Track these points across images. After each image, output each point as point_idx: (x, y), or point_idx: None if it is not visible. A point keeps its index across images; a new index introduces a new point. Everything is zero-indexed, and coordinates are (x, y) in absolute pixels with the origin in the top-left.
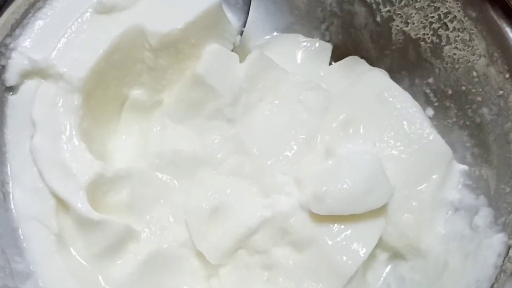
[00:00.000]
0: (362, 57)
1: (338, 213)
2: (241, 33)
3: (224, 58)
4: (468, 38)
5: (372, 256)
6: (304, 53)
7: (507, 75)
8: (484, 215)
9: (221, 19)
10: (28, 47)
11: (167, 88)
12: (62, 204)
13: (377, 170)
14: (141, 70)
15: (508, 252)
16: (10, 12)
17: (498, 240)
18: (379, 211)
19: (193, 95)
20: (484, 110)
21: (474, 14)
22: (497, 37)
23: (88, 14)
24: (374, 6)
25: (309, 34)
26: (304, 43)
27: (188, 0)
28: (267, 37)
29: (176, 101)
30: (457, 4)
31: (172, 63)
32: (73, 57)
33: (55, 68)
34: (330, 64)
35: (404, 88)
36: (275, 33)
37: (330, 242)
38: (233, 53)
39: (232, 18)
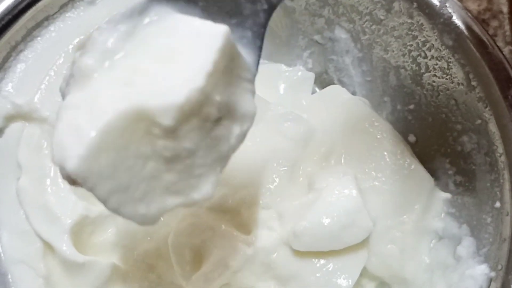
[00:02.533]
0: (344, 84)
1: (317, 249)
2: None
3: None
4: (446, 66)
5: (359, 286)
6: (286, 83)
7: (485, 104)
8: (467, 245)
9: (235, 54)
10: (10, 91)
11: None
12: (48, 246)
13: (356, 205)
14: (158, 170)
15: (489, 285)
16: None
17: (480, 271)
18: (362, 243)
19: None
20: (465, 138)
21: (450, 43)
22: (474, 66)
23: (68, 55)
24: (354, 34)
25: (291, 63)
26: (287, 73)
27: (187, 44)
28: None
29: None
30: (434, 33)
31: (201, 136)
32: (56, 100)
33: (38, 112)
34: (313, 92)
35: (386, 114)
36: None
37: (312, 277)
38: None
39: None
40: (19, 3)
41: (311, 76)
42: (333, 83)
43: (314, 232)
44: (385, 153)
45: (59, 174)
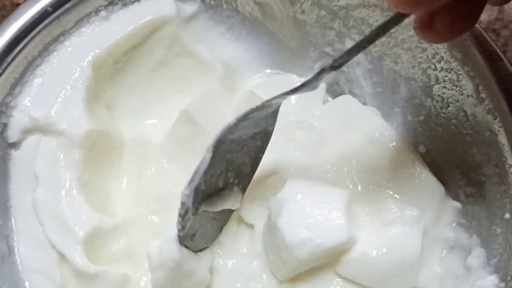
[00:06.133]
0: (355, 95)
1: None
2: None
3: (215, 98)
4: (455, 78)
5: None
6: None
7: (494, 116)
8: (477, 256)
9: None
10: (28, 105)
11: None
12: (63, 256)
13: (415, 259)
14: None
15: None
16: (9, 71)
17: (490, 282)
18: None
19: (182, 133)
20: (474, 150)
21: (460, 56)
22: (483, 78)
23: (84, 69)
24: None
25: (303, 74)
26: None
27: None
28: (260, 75)
29: (168, 138)
30: (443, 45)
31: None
32: (72, 113)
33: (55, 125)
34: (325, 102)
35: (397, 125)
36: (268, 71)
37: None
38: (225, 93)
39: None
40: (36, 19)
41: (323, 86)
42: (344, 94)
43: (363, 264)
44: (396, 163)
45: (74, 185)
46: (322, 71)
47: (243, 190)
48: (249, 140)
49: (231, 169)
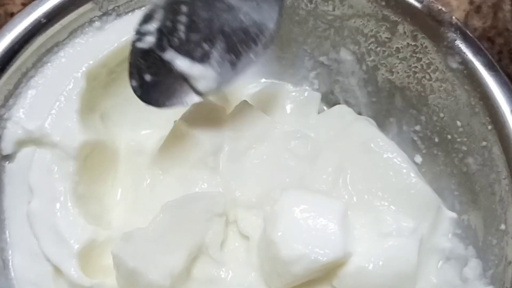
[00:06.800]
0: (350, 104)
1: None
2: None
3: (210, 108)
4: (450, 89)
5: None
6: (293, 103)
7: (490, 127)
8: (474, 267)
9: None
10: (21, 117)
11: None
12: (58, 269)
13: (412, 271)
14: None
15: None
16: (2, 83)
17: None
18: None
19: (177, 143)
20: (470, 160)
21: (454, 66)
22: (478, 89)
23: (78, 80)
24: (359, 55)
25: (298, 83)
26: (293, 93)
27: None
28: (255, 84)
29: (162, 149)
30: (438, 55)
31: None
32: (66, 125)
33: (49, 137)
34: (320, 112)
35: (392, 135)
36: (263, 80)
37: None
38: (219, 105)
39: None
40: (29, 31)
41: (318, 96)
42: (339, 104)
43: (359, 277)
44: (391, 173)
45: (68, 197)
46: None
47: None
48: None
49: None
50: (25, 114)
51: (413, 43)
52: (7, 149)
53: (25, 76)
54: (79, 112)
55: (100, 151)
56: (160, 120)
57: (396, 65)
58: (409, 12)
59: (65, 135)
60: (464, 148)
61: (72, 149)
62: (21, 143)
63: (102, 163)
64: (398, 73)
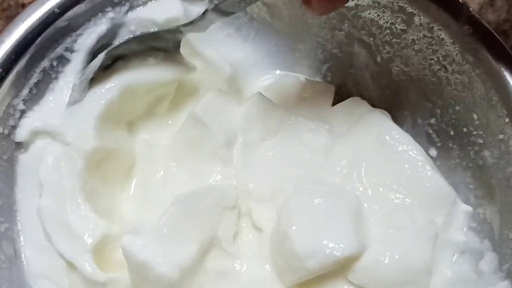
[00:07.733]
0: (364, 97)
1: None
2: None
3: (223, 100)
4: (467, 81)
5: None
6: (306, 95)
7: (507, 120)
8: (489, 260)
9: None
10: (37, 111)
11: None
12: (71, 263)
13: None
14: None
15: None
16: (18, 73)
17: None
18: None
19: (190, 135)
20: (486, 153)
21: (471, 58)
22: (495, 82)
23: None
24: (373, 47)
25: (311, 75)
26: (308, 85)
27: None
28: (268, 76)
29: (176, 140)
30: (455, 47)
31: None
32: (81, 127)
33: (63, 136)
34: (333, 104)
35: (407, 128)
36: (277, 71)
37: None
38: (233, 95)
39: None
40: (43, 20)
41: (332, 88)
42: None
43: (375, 271)
44: (406, 166)
45: (78, 193)
46: (205, 11)
47: None
48: None
49: None
50: (47, 107)
51: (429, 35)
52: (21, 136)
53: (44, 71)
54: (99, 119)
55: (115, 157)
56: (174, 112)
57: (412, 57)
58: (425, 4)
59: (77, 136)
60: (480, 141)
61: (83, 151)
62: (36, 133)
63: (116, 163)
64: (413, 65)
